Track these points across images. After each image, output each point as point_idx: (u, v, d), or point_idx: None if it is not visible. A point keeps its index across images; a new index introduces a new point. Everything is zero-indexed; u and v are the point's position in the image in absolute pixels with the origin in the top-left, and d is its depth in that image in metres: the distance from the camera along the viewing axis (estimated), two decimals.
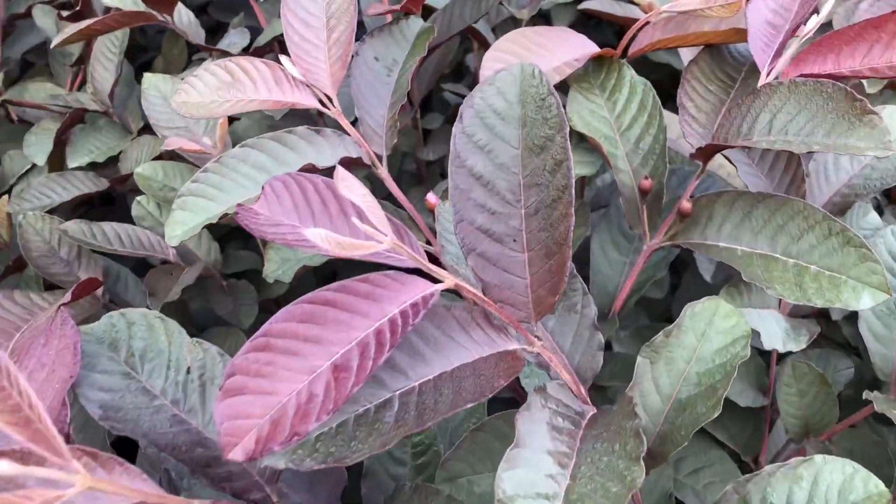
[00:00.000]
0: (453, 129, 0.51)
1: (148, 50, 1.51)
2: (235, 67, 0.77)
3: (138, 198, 1.04)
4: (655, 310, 1.01)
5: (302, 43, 0.76)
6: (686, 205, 0.68)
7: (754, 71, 0.76)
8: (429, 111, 1.19)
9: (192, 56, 1.27)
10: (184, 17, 1.15)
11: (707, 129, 0.73)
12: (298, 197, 0.53)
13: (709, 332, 0.61)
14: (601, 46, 0.78)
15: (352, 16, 0.76)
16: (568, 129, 0.49)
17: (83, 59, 1.28)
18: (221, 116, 0.74)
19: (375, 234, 0.44)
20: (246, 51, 1.09)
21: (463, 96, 1.11)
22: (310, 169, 0.73)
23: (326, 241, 0.42)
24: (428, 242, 0.79)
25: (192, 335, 1.08)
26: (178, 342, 0.54)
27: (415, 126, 1.11)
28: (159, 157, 1.10)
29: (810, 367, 0.73)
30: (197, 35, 1.16)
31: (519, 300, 0.51)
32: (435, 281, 0.47)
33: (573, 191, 0.48)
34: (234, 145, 0.99)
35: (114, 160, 1.19)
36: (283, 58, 0.76)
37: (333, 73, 0.76)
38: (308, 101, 0.76)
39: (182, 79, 1.02)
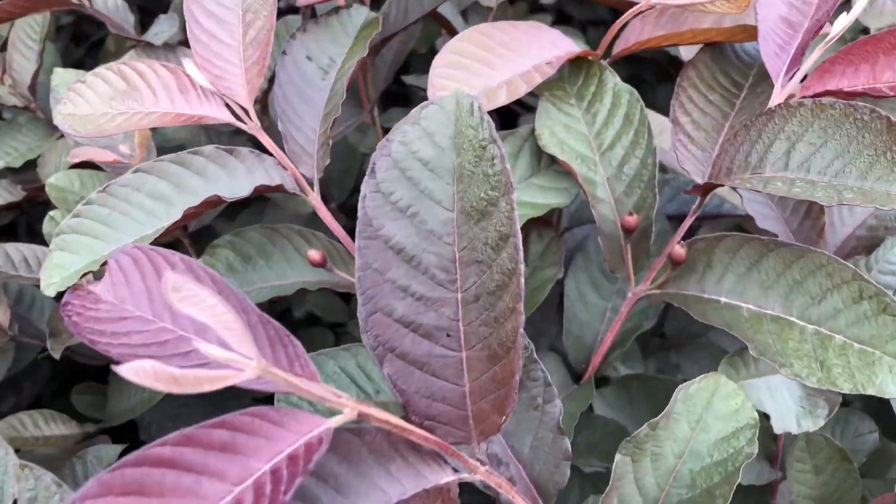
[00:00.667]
0: (362, 187, 0.38)
1: (104, 27, 1.35)
2: (131, 73, 0.63)
3: (51, 212, 0.90)
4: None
5: (211, 43, 0.62)
6: (679, 250, 0.55)
7: (765, 77, 0.62)
8: (391, 106, 1.05)
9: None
10: (109, 0, 1.00)
11: (707, 153, 0.59)
12: (152, 279, 0.39)
13: (706, 419, 0.48)
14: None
15: (271, 8, 0.62)
16: (515, 194, 0.35)
17: (5, 46, 1.13)
18: (113, 133, 0.60)
19: (233, 361, 0.31)
20: (182, 43, 0.94)
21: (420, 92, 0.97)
22: (215, 201, 0.59)
23: (156, 378, 0.29)
24: None
25: (96, 396, 0.95)
26: (3, 466, 0.41)
27: (373, 123, 0.97)
28: (79, 165, 0.96)
29: (827, 441, 0.60)
30: (125, 21, 1.01)
31: (454, 416, 0.38)
32: (330, 413, 0.34)
33: (522, 278, 0.35)
34: (163, 153, 0.86)
35: (33, 164, 1.05)
36: (186, 62, 0.62)
37: (250, 80, 0.62)
38: (218, 114, 0.62)
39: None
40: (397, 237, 0.38)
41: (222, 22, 0.62)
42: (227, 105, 0.63)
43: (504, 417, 0.37)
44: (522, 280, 0.35)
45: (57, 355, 0.75)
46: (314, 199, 0.64)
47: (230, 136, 0.90)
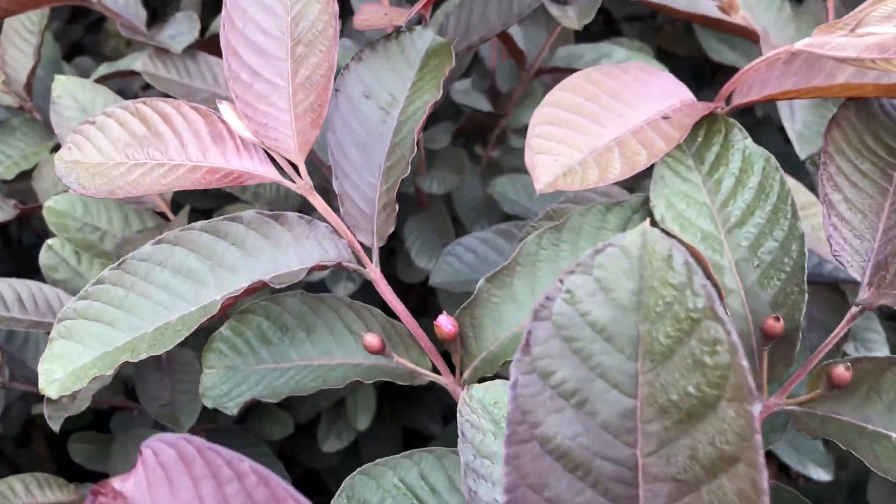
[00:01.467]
0: (512, 367, 0.27)
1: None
2: (153, 115, 0.51)
3: (49, 241, 0.79)
4: None
5: (253, 82, 0.50)
6: (843, 372, 0.44)
7: None
8: (432, 122, 0.93)
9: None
10: None
11: (866, 241, 0.48)
12: (209, 488, 0.28)
13: None
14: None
15: (331, 40, 0.50)
16: (756, 405, 0.24)
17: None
18: (129, 194, 0.49)
19: None
20: (206, 47, 0.81)
21: (471, 108, 0.85)
22: (258, 288, 0.48)
23: None
24: (435, 370, 0.54)
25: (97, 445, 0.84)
26: None
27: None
28: None
29: None
30: (135, 16, 0.88)
31: None
32: None
33: None
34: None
35: (29, 174, 0.93)
36: (222, 105, 0.50)
37: (302, 130, 0.50)
38: (262, 172, 0.51)
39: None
40: (559, 437, 0.27)
41: (266, 55, 0.50)
42: (272, 159, 0.51)
43: None
44: None
45: (56, 427, 0.64)
46: (373, 271, 0.53)
47: (268, 197, 0.78)
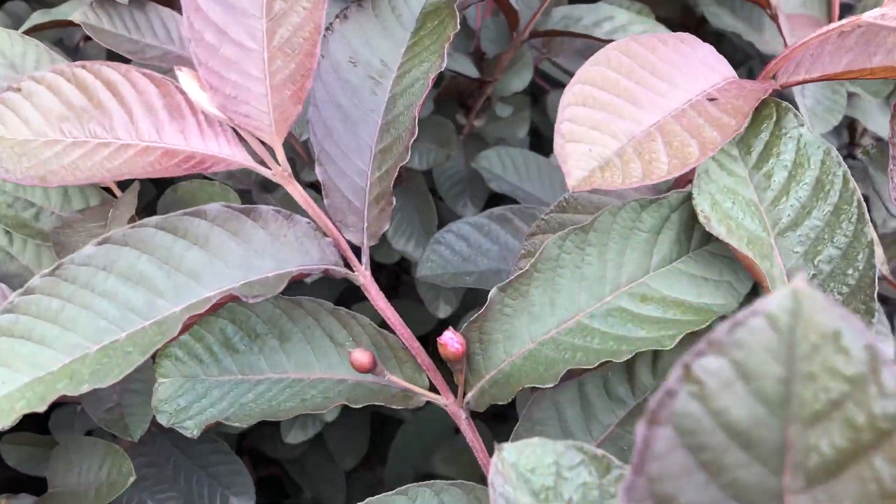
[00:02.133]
0: (621, 491, 0.19)
1: None
2: (94, 81, 0.41)
3: None
4: None
5: (220, 44, 0.41)
6: None
7: None
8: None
9: None
10: None
11: None
12: None
13: None
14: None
15: None
16: None
17: None
18: (64, 182, 0.40)
19: None
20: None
21: (453, 72, 0.76)
22: (226, 301, 0.39)
23: None
24: (432, 387, 0.47)
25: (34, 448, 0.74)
26: None
27: None
28: None
29: None
30: None
31: None
32: None
33: None
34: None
35: None
36: (181, 73, 0.41)
37: (279, 105, 0.41)
38: (230, 155, 0.42)
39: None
40: None
41: (236, 11, 0.41)
42: (243, 140, 0.42)
43: None
44: None
45: None
46: (364, 276, 0.45)
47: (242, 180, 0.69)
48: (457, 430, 0.97)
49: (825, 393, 0.18)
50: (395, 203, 0.43)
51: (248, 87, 0.41)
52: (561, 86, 0.99)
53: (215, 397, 0.49)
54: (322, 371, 0.48)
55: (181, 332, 0.38)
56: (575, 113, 0.40)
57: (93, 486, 0.63)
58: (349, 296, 0.85)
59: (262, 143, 0.42)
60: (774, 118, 0.45)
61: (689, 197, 0.43)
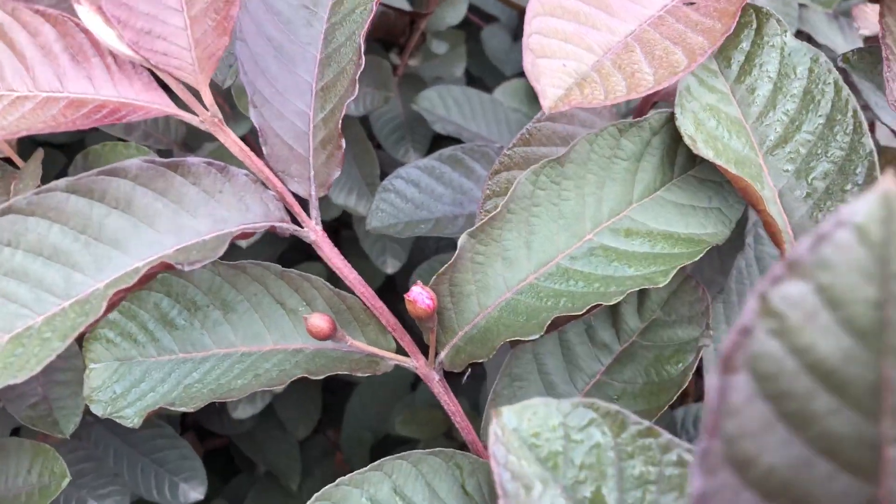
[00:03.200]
0: (695, 459, 0.15)
1: None
2: None
3: None
4: None
5: None
6: None
7: None
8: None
9: None
10: None
11: None
12: None
13: None
14: None
15: None
16: None
17: None
18: None
19: None
20: None
21: (383, 5, 0.70)
22: (157, 271, 0.34)
23: None
24: (399, 349, 0.42)
25: None
26: None
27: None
28: None
29: None
30: None
31: None
32: None
33: None
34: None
35: None
36: (80, 6, 0.34)
37: (202, 39, 0.35)
38: (149, 101, 0.36)
39: None
40: None
41: None
42: (163, 84, 0.36)
43: None
44: None
45: None
46: (314, 231, 0.39)
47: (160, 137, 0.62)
48: (413, 388, 0.93)
49: None
50: (344, 146, 0.38)
51: (164, 20, 0.35)
52: (494, 20, 0.94)
53: (156, 380, 0.44)
54: (275, 342, 0.43)
55: (107, 311, 0.33)
56: (543, 25, 0.35)
57: (23, 492, 0.56)
58: (293, 256, 0.79)
59: (186, 85, 0.36)
60: (755, 25, 0.41)
61: (671, 118, 0.39)
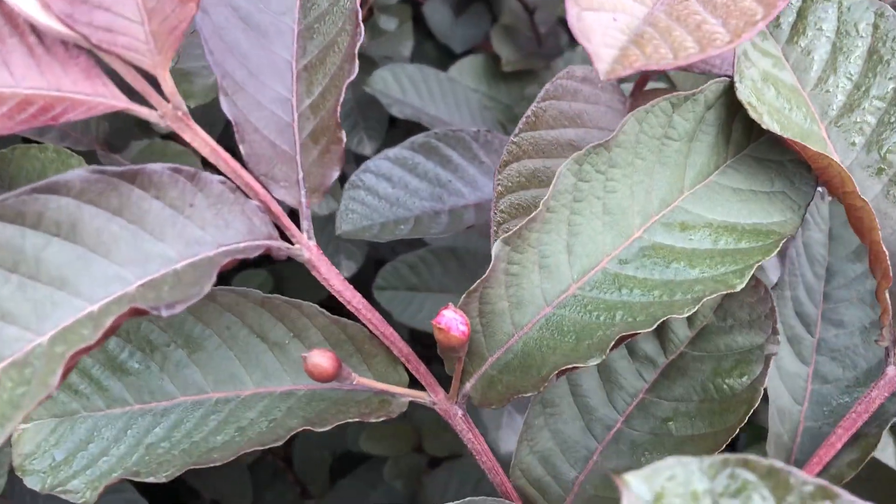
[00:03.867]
0: None
1: None
2: None
3: None
4: None
5: None
6: None
7: None
8: None
9: None
10: None
11: None
12: None
13: None
14: None
15: None
16: None
17: None
18: None
19: None
20: None
21: None
22: (128, 316, 0.26)
23: None
24: (415, 382, 0.35)
25: None
26: None
27: None
28: None
29: None
30: None
31: None
32: None
33: None
34: None
35: None
36: None
37: (158, 9, 0.27)
38: (93, 94, 0.27)
39: None
40: None
41: None
42: (109, 70, 0.28)
43: None
44: None
45: None
46: (308, 249, 0.32)
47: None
48: None
49: None
50: (345, 139, 0.30)
51: None
52: None
53: (107, 440, 0.35)
54: (256, 384, 0.35)
55: (62, 376, 0.24)
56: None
57: None
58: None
59: (142, 70, 0.28)
60: None
61: (730, 87, 0.33)
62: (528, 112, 0.40)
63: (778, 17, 0.35)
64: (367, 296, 0.69)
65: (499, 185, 0.38)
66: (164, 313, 0.25)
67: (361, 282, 0.72)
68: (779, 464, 0.21)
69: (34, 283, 0.26)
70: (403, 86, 0.65)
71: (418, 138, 0.52)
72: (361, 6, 0.65)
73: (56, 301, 0.27)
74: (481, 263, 0.72)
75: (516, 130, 0.39)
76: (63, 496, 0.35)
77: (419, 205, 0.50)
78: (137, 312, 0.25)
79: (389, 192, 0.50)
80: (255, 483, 0.85)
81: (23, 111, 0.26)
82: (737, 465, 0.21)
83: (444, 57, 0.82)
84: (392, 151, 0.51)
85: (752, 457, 0.21)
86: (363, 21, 0.67)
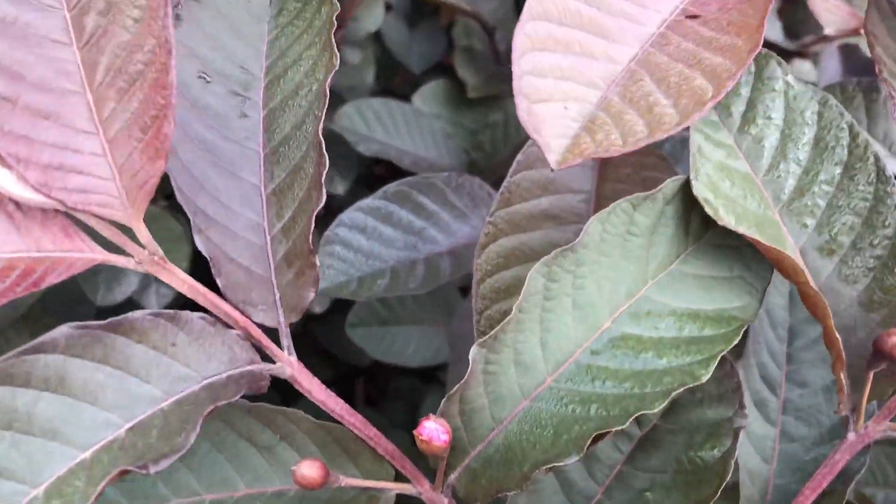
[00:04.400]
0: None
1: None
2: None
3: None
4: None
5: (18, 95, 0.26)
6: None
7: None
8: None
9: None
10: None
11: None
12: None
13: None
14: None
15: None
16: None
17: None
18: None
19: None
20: None
21: None
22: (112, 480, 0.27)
23: None
24: (401, 476, 0.36)
25: None
26: None
27: None
28: None
29: None
30: None
31: None
32: None
33: None
34: None
35: None
36: None
37: (127, 166, 0.28)
38: (72, 249, 0.28)
39: None
40: None
41: (30, 42, 0.27)
42: (85, 227, 0.29)
43: None
44: None
45: None
46: (290, 365, 0.33)
47: None
48: None
49: None
50: (318, 265, 0.31)
51: (76, 148, 0.27)
52: (388, 9, 0.86)
53: None
54: (248, 485, 0.37)
55: None
56: (536, 62, 0.30)
57: None
58: None
59: (115, 224, 0.29)
60: (753, 68, 0.36)
61: (686, 184, 0.35)
62: (503, 188, 0.42)
63: (729, 107, 0.36)
64: (341, 328, 0.70)
65: (478, 270, 0.39)
66: (152, 470, 0.26)
67: (337, 315, 0.73)
68: None
69: (28, 437, 0.28)
70: (368, 121, 0.66)
71: (391, 187, 0.53)
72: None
73: (49, 452, 0.28)
74: (452, 294, 0.73)
75: (492, 210, 0.41)
76: None
77: (395, 255, 0.52)
78: (126, 472, 0.26)
79: (364, 244, 0.51)
80: None
81: (5, 278, 0.27)
82: None
83: (404, 80, 0.82)
84: (365, 202, 0.52)
85: None
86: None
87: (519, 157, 0.42)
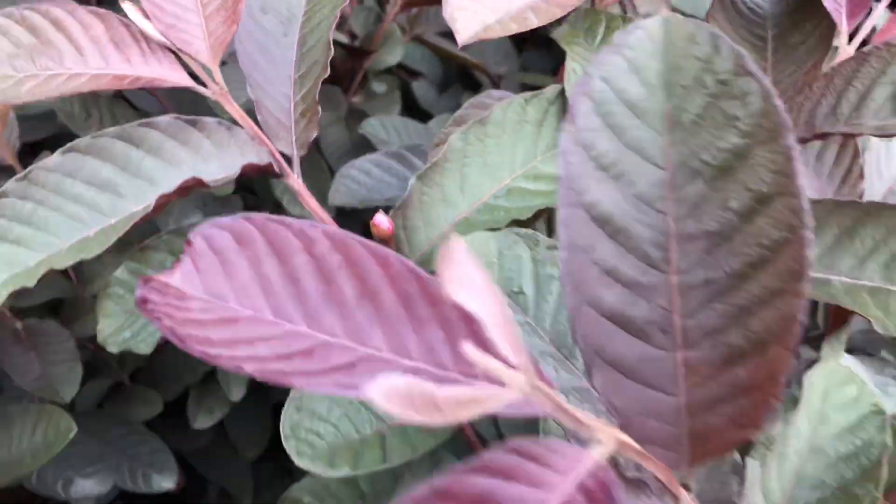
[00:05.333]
0: (561, 135, 0.28)
1: None
2: (43, 22, 0.47)
3: None
4: None
5: None
6: None
7: (789, 27, 0.57)
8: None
9: None
10: None
11: None
12: (271, 264, 0.27)
13: (825, 412, 0.43)
14: None
15: None
16: (790, 136, 0.26)
17: None
18: (24, 100, 0.44)
19: (503, 375, 0.20)
20: None
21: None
22: (192, 186, 0.45)
23: (414, 403, 0.18)
24: None
25: None
26: None
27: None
28: None
29: None
30: None
31: (666, 434, 0.29)
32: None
33: (807, 248, 0.26)
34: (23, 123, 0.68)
35: None
36: (126, 5, 0.47)
37: (214, 30, 0.48)
38: (173, 76, 0.48)
39: None
40: (602, 204, 0.28)
41: None
42: (184, 64, 0.48)
43: (750, 432, 0.28)
44: (807, 251, 0.26)
45: None
46: (295, 182, 0.51)
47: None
48: None
49: (689, 73, 0.28)
50: (320, 112, 0.51)
51: (186, 18, 0.48)
52: (421, 76, 1.08)
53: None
54: None
55: (151, 213, 0.44)
56: None
57: (27, 453, 0.63)
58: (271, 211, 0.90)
59: (203, 65, 0.48)
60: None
61: (563, 91, 0.53)
62: (456, 114, 0.60)
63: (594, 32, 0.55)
64: None
65: (431, 156, 0.57)
66: (212, 184, 0.45)
67: None
68: (531, 230, 0.39)
69: (135, 178, 0.46)
70: (388, 130, 0.86)
71: (392, 150, 0.73)
72: (356, 73, 0.86)
73: (146, 189, 0.46)
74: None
75: (446, 126, 0.59)
76: (133, 350, 0.53)
77: (389, 192, 0.70)
78: (197, 183, 0.45)
79: (368, 181, 0.70)
80: (258, 481, 0.98)
81: (135, 84, 0.46)
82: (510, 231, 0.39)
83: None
84: (373, 156, 0.72)
85: (519, 229, 0.39)
86: (359, 84, 0.88)
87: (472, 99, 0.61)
